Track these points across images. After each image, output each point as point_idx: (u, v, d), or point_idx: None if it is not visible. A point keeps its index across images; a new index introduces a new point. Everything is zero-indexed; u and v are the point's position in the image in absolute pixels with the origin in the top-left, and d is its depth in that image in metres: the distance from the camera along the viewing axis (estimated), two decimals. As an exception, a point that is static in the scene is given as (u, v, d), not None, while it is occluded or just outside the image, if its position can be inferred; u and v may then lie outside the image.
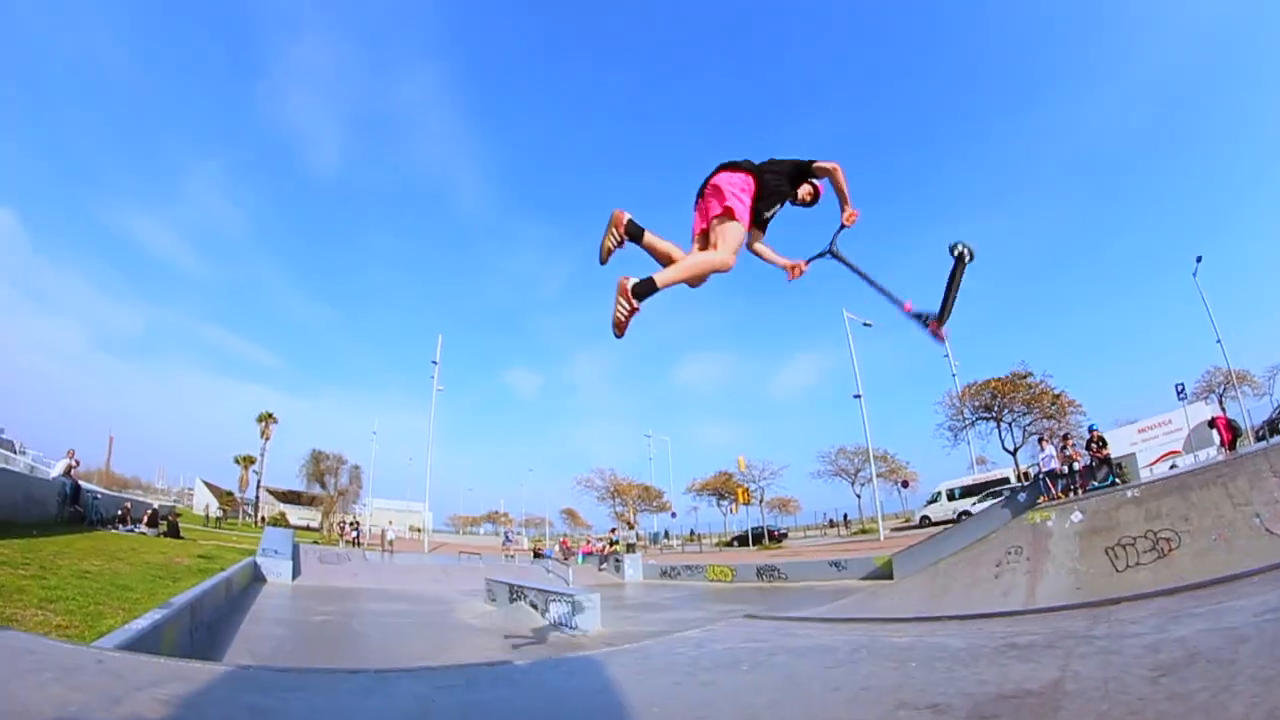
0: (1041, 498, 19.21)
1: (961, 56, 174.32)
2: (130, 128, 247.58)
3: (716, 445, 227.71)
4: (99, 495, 29.89)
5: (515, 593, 18.89)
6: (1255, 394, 50.91)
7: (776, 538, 56.97)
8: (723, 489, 64.44)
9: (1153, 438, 30.44)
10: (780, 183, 5.50)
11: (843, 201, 5.51)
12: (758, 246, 5.80)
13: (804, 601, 19.05)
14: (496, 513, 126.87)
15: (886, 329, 47.00)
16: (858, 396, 43.57)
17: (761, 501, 61.69)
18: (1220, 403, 42.31)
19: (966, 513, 40.15)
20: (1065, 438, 20.43)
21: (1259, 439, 27.76)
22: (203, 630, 10.53)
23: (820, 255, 5.79)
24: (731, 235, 5.13)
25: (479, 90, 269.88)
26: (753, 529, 59.16)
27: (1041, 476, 19.72)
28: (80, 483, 27.30)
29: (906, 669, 2.92)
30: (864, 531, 54.54)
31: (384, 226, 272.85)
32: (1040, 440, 23.07)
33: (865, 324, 45.21)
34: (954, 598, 14.39)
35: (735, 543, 61.04)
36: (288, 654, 10.60)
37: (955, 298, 5.19)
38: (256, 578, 21.57)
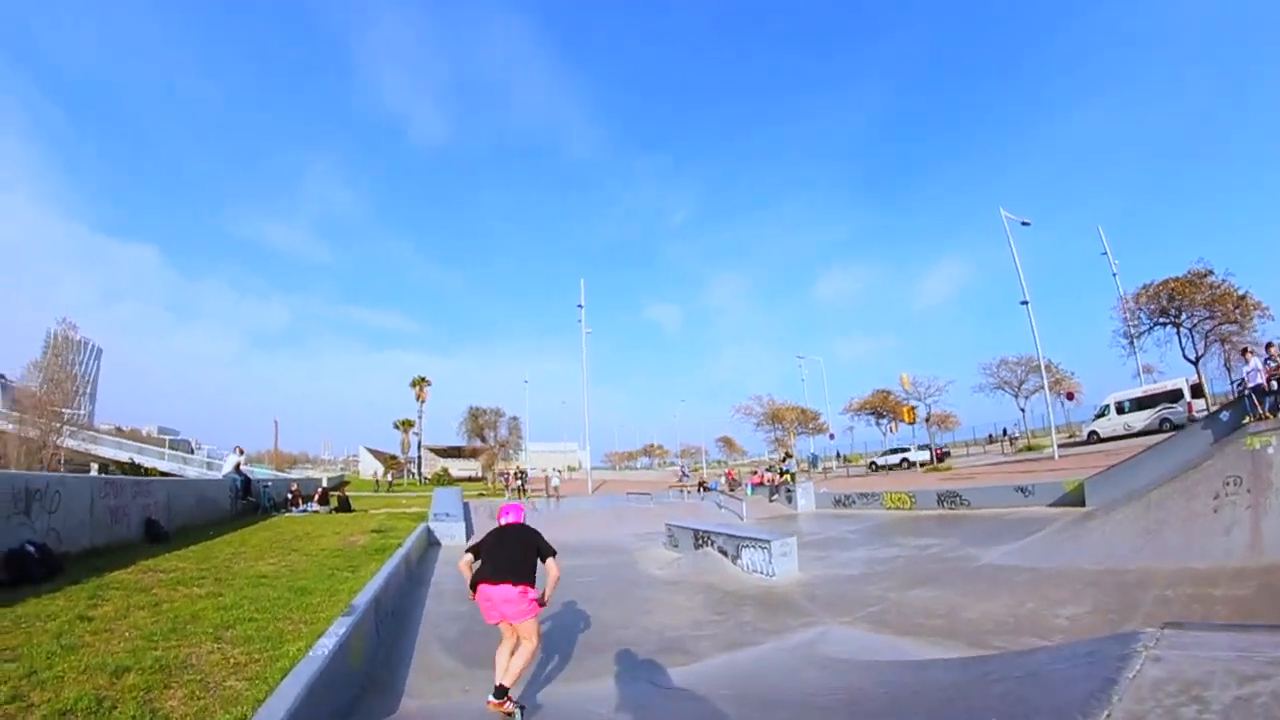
0: (1247, 417, 17.33)
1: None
2: (243, 146, 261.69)
3: (864, 361, 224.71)
4: (269, 483, 30.96)
5: (701, 538, 18.33)
6: None
7: (941, 457, 54.91)
8: (880, 407, 62.92)
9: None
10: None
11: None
12: None
13: (996, 534, 18.26)
14: (652, 446, 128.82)
15: (1039, 227, 44.21)
16: (1024, 303, 40.83)
17: (929, 419, 60.17)
18: None
19: (1150, 430, 38.64)
20: (1269, 347, 18.71)
21: None
22: (388, 620, 10.39)
23: None
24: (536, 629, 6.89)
25: (565, 32, 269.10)
26: (918, 446, 57.40)
27: (1248, 392, 18.35)
28: (250, 475, 28.42)
29: None
30: (1030, 448, 52.37)
31: (500, 184, 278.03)
32: (1244, 352, 21.07)
33: (1023, 222, 42.71)
34: (1172, 536, 13.42)
35: (903, 463, 58.56)
36: (478, 638, 9.72)
37: None
38: (432, 542, 21.97)
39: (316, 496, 30.75)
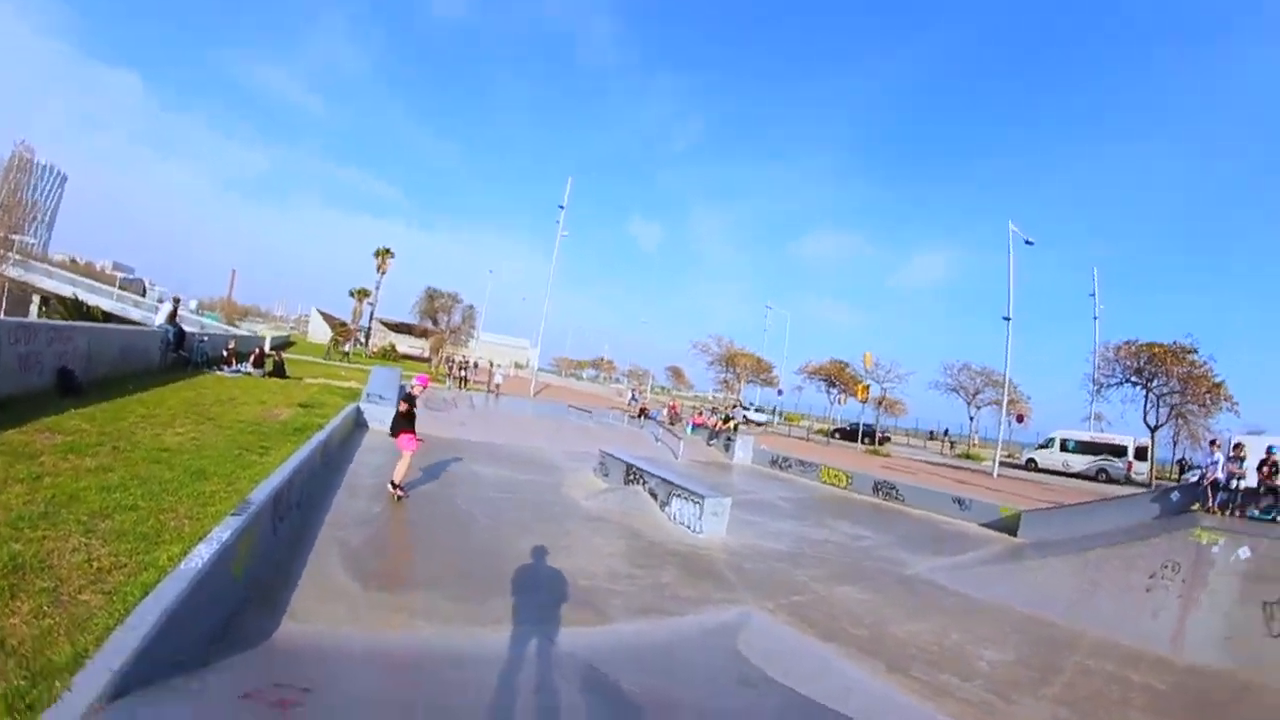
0: (1197, 505, 17.68)
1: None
2: None
3: (831, 328, 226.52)
4: (205, 338, 30.19)
5: (633, 474, 17.89)
6: None
7: (881, 440, 56.67)
8: (835, 377, 63.58)
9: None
10: None
11: None
12: None
13: (930, 541, 18.49)
14: (602, 359, 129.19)
15: (1039, 247, 44.02)
16: (1007, 319, 41.19)
17: (881, 402, 60.75)
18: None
19: (1087, 476, 40.40)
20: (1238, 448, 18.82)
21: None
22: (292, 513, 9.71)
23: None
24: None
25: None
26: (862, 424, 58.74)
27: (1205, 484, 18.46)
28: (185, 327, 27.60)
29: None
30: (968, 455, 54.49)
31: (514, 70, 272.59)
32: (1212, 444, 21.28)
33: (1028, 241, 42.61)
34: (1104, 603, 13.36)
35: (838, 434, 61.51)
36: (380, 551, 9.83)
37: None
38: (360, 424, 21.30)
39: (252, 358, 30.03)
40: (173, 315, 26.54)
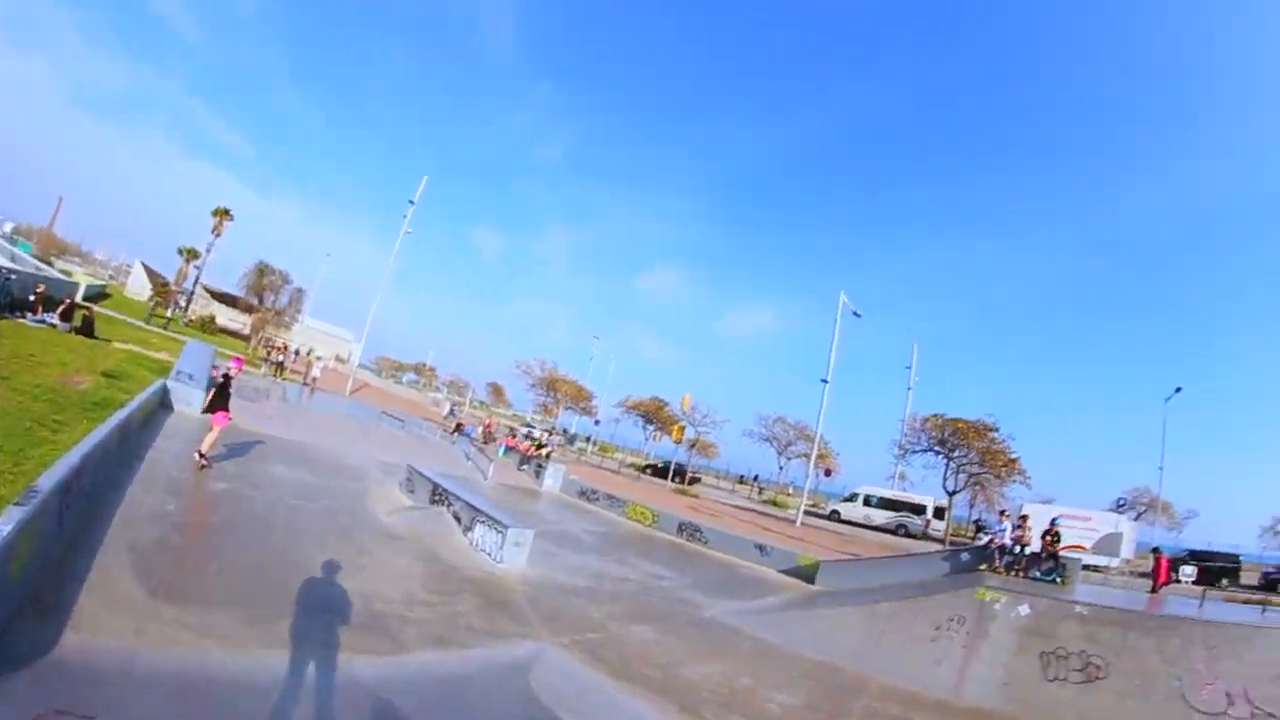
0: (985, 565, 19.69)
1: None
2: None
3: (654, 363, 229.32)
4: (13, 275, 28.30)
5: (439, 495, 17.55)
6: (1168, 526, 53.19)
7: (691, 480, 57.87)
8: (653, 414, 65.01)
9: (1069, 527, 31.02)
10: None
11: None
12: None
13: (729, 585, 18.96)
14: (424, 365, 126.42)
15: (870, 311, 46.20)
16: (825, 381, 42.84)
17: (694, 445, 61.80)
18: (1135, 518, 45.87)
19: (887, 529, 42.43)
20: (1024, 518, 20.43)
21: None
22: (81, 502, 8.97)
23: None
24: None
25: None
26: (674, 464, 59.46)
27: (994, 548, 19.83)
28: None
29: None
30: (774, 503, 56.19)
31: (400, 41, 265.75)
32: (1002, 514, 23.46)
33: (855, 314, 44.54)
34: (890, 650, 14.20)
35: (649, 470, 61.84)
36: (172, 556, 9.24)
37: None
38: (164, 404, 19.91)
39: (61, 309, 27.70)
40: None
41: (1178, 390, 45.95)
